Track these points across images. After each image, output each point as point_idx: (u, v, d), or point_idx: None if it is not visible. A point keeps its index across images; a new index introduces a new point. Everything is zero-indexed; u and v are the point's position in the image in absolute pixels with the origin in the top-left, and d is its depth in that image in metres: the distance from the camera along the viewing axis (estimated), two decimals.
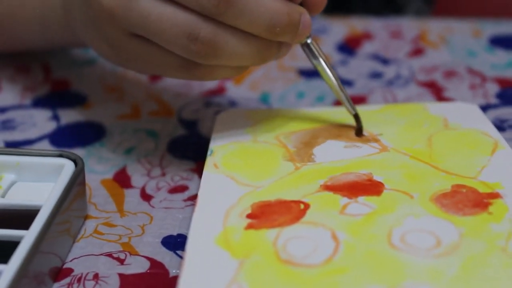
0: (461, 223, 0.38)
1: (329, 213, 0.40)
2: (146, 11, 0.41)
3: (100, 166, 0.50)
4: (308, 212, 0.40)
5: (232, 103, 0.58)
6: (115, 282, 0.39)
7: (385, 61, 0.64)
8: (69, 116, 0.56)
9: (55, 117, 0.56)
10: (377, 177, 0.43)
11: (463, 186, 0.41)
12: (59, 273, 0.40)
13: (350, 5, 0.83)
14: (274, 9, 0.42)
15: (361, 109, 0.48)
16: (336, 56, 0.65)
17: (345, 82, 0.59)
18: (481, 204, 0.40)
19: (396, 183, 0.42)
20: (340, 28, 0.70)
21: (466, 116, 0.49)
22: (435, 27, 0.69)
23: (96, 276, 0.40)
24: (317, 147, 0.46)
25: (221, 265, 0.36)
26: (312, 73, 0.61)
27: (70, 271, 0.40)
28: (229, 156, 0.46)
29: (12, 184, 0.44)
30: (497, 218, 0.38)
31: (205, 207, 0.41)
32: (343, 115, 0.49)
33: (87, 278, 0.40)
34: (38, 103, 0.58)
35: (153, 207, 0.46)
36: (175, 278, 0.39)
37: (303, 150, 0.46)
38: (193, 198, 0.46)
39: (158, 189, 0.47)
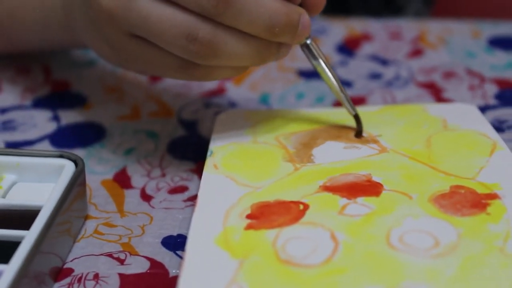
0: (460, 224, 0.38)
1: (328, 213, 0.40)
2: (146, 12, 0.41)
3: (100, 166, 0.50)
4: (307, 212, 0.40)
5: (232, 104, 0.58)
6: (115, 282, 0.39)
7: (384, 62, 0.64)
8: (69, 117, 0.56)
9: (56, 118, 0.56)
10: (376, 178, 0.43)
11: (462, 187, 0.42)
12: (60, 273, 0.40)
13: (350, 6, 0.83)
14: (273, 9, 0.42)
15: (360, 110, 0.48)
16: (336, 57, 0.65)
17: (344, 83, 0.59)
18: (479, 205, 0.40)
19: (395, 184, 0.42)
20: (339, 29, 0.70)
21: (465, 117, 0.49)
22: (434, 28, 0.70)
23: (96, 276, 0.40)
24: (317, 148, 0.47)
25: (220, 265, 0.37)
26: (311, 74, 0.61)
27: (70, 271, 0.40)
28: (229, 156, 0.46)
29: (12, 184, 0.44)
30: (495, 219, 0.39)
31: (205, 207, 0.41)
32: (342, 116, 0.49)
33: (87, 278, 0.40)
34: (38, 104, 0.58)
35: (153, 207, 0.46)
36: (175, 278, 0.40)
37: (303, 151, 0.46)
38: (193, 198, 0.46)
39: (158, 189, 0.47)
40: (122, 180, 0.48)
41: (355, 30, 0.70)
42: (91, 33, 0.47)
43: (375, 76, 0.61)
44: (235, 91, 0.60)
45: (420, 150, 0.46)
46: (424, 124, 0.49)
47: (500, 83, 0.59)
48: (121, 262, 0.41)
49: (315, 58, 0.46)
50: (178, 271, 0.40)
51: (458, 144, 0.46)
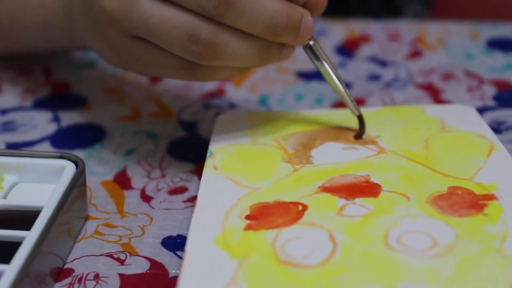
0: (457, 224, 0.39)
1: (327, 214, 0.40)
2: (147, 13, 0.41)
3: (100, 167, 0.50)
4: (306, 213, 0.40)
5: (232, 105, 0.58)
6: (115, 282, 0.40)
7: (383, 64, 0.64)
8: (69, 118, 0.56)
9: (56, 119, 0.56)
10: (374, 179, 0.43)
11: (459, 188, 0.42)
12: (60, 273, 0.40)
13: (349, 8, 0.83)
14: (274, 9, 0.42)
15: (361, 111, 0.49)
16: (335, 59, 0.65)
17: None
18: (477, 206, 0.40)
19: (393, 185, 0.42)
20: (338, 30, 0.71)
21: (463, 119, 0.50)
22: (433, 30, 0.70)
23: (96, 276, 0.40)
24: (316, 149, 0.47)
25: (220, 266, 0.37)
26: (310, 75, 0.61)
27: (71, 271, 0.41)
28: (228, 158, 0.46)
29: (13, 185, 0.44)
30: (493, 220, 0.39)
31: (205, 208, 0.41)
32: (341, 117, 0.50)
33: (87, 278, 0.40)
34: (39, 105, 0.58)
35: (153, 208, 0.46)
36: (174, 279, 0.40)
37: (302, 152, 0.47)
38: (193, 199, 0.46)
39: (158, 190, 0.48)
40: (122, 181, 0.49)
41: (354, 32, 0.70)
42: (91, 34, 0.47)
43: (374, 77, 0.62)
44: (235, 92, 0.60)
45: (419, 151, 0.46)
46: (422, 125, 0.49)
47: (498, 84, 0.60)
48: (121, 262, 0.41)
49: (318, 59, 0.46)
50: (178, 271, 0.40)
51: (456, 145, 0.46)
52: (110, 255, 0.42)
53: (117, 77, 0.62)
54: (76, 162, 0.44)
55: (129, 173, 0.49)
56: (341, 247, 0.38)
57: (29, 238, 0.38)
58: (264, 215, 0.40)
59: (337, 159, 0.46)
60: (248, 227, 0.40)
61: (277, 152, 0.47)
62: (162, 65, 0.44)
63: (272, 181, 0.44)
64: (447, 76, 0.61)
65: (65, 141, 0.53)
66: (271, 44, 0.43)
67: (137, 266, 0.41)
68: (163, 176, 0.49)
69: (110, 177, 0.49)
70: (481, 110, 0.55)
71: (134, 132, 0.54)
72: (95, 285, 0.40)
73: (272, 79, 0.62)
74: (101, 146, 0.52)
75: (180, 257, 0.41)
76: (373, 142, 0.47)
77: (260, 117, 0.51)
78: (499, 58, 0.64)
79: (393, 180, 0.43)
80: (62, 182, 0.42)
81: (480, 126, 0.49)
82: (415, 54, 0.65)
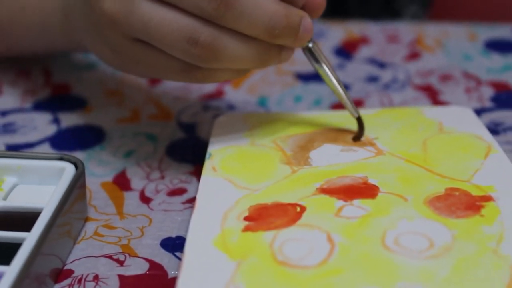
0: (454, 226, 0.39)
1: (325, 215, 0.40)
2: (147, 16, 0.41)
3: (100, 169, 0.50)
4: (304, 214, 0.41)
5: (231, 107, 0.58)
6: (114, 283, 0.40)
7: (381, 65, 0.64)
8: (69, 120, 0.56)
9: (56, 121, 0.56)
10: (372, 180, 0.43)
11: (456, 189, 0.42)
12: (60, 274, 0.41)
13: (348, 9, 0.84)
14: (272, 11, 0.42)
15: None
16: (333, 60, 0.65)
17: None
18: (474, 207, 0.40)
19: (391, 186, 0.43)
20: (337, 32, 0.71)
21: (461, 120, 0.50)
22: (431, 31, 0.70)
23: (96, 277, 0.40)
24: (314, 151, 0.47)
25: (218, 267, 0.37)
26: (309, 77, 0.61)
27: (70, 272, 0.41)
28: (227, 159, 0.46)
29: (13, 187, 0.45)
30: (489, 221, 0.39)
31: (203, 209, 0.42)
32: (340, 119, 0.50)
33: (87, 279, 0.40)
34: (38, 106, 0.59)
35: (152, 209, 0.46)
36: (173, 279, 0.40)
37: (300, 154, 0.47)
38: (192, 200, 0.46)
39: (157, 191, 0.48)
40: (121, 182, 0.49)
41: (353, 33, 0.71)
42: (92, 37, 0.47)
43: (373, 79, 0.62)
44: (234, 94, 0.60)
45: (416, 153, 0.46)
46: (420, 127, 0.49)
47: (496, 85, 0.60)
48: (121, 263, 0.41)
49: (318, 62, 0.46)
50: (177, 272, 0.41)
51: (453, 146, 0.47)
52: (109, 256, 0.42)
53: (117, 79, 0.62)
54: (76, 163, 0.45)
55: (128, 175, 0.49)
56: (339, 248, 0.38)
57: (29, 239, 0.38)
58: (263, 217, 0.41)
59: (335, 160, 0.46)
60: (246, 228, 0.40)
61: (275, 153, 0.47)
62: (162, 67, 0.44)
63: (271, 182, 0.44)
64: (445, 78, 0.61)
65: (65, 142, 0.53)
66: (270, 46, 0.44)
67: (136, 267, 0.41)
68: (162, 177, 0.49)
69: (109, 178, 0.49)
70: (479, 111, 0.55)
71: (133, 134, 0.54)
72: (95, 286, 0.40)
73: (271, 81, 0.62)
74: (100, 148, 0.53)
75: (179, 258, 0.42)
76: (371, 144, 0.48)
77: (258, 119, 0.51)
78: (497, 60, 0.64)
79: (390, 182, 0.43)
80: (62, 184, 0.43)
81: (478, 127, 0.49)
82: (414, 55, 0.66)
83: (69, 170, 0.44)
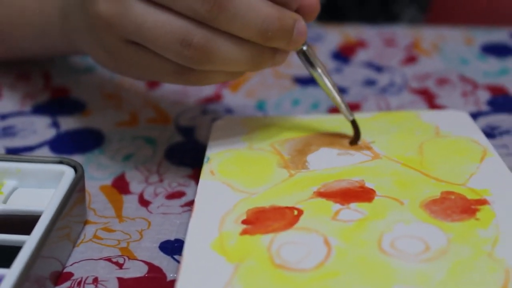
0: (449, 229, 0.39)
1: (322, 219, 0.41)
2: (141, 18, 0.42)
3: (99, 172, 0.50)
4: (302, 218, 0.41)
5: (229, 111, 0.59)
6: (114, 286, 0.40)
7: (378, 69, 0.65)
8: (68, 123, 0.57)
9: (55, 124, 0.57)
10: (368, 184, 0.44)
11: (452, 193, 0.42)
12: (60, 277, 0.41)
13: (345, 13, 0.84)
14: (265, 14, 0.42)
15: (354, 116, 0.49)
16: (330, 64, 0.66)
17: (339, 90, 0.59)
18: (469, 210, 0.41)
19: (387, 190, 0.43)
20: (334, 36, 0.71)
21: (457, 124, 0.50)
22: (428, 35, 0.70)
23: (95, 280, 0.41)
24: (311, 155, 0.47)
25: (216, 270, 0.37)
26: (307, 81, 0.62)
27: (70, 275, 0.41)
28: (225, 163, 0.47)
29: (13, 190, 0.45)
30: (484, 224, 0.39)
31: (202, 213, 0.42)
32: (337, 123, 0.50)
33: (86, 282, 0.40)
34: (38, 110, 0.59)
35: (151, 212, 0.46)
36: (172, 282, 0.40)
37: (297, 158, 0.47)
38: (190, 204, 0.47)
39: (156, 195, 0.48)
40: (120, 185, 0.49)
41: (350, 37, 0.71)
42: (88, 40, 0.47)
43: (370, 82, 0.62)
44: (232, 98, 0.60)
45: (413, 157, 0.46)
46: (417, 130, 0.50)
47: (493, 89, 0.60)
48: (120, 266, 0.42)
49: (312, 65, 0.46)
50: (175, 275, 0.41)
51: (449, 150, 0.47)
52: (108, 259, 0.42)
53: (115, 83, 0.62)
54: (75, 167, 0.45)
55: (127, 178, 0.50)
56: (336, 251, 0.38)
57: (29, 242, 0.38)
58: (260, 220, 0.41)
59: (332, 164, 0.46)
60: (244, 232, 0.40)
61: (273, 157, 0.47)
62: (156, 69, 0.44)
63: (268, 186, 0.44)
64: (442, 81, 0.62)
65: (64, 146, 0.54)
66: (264, 49, 0.44)
67: (135, 270, 0.41)
68: (161, 181, 0.49)
69: (108, 182, 0.49)
70: (475, 115, 0.55)
71: (132, 138, 0.54)
72: None
73: (268, 85, 0.62)
74: (99, 152, 0.53)
75: (178, 261, 0.42)
76: (368, 148, 0.48)
77: (256, 123, 0.52)
78: (493, 63, 0.65)
79: (387, 185, 0.43)
80: (62, 187, 0.43)
81: (473, 131, 0.49)
82: (411, 59, 0.66)
83: (68, 173, 0.44)
